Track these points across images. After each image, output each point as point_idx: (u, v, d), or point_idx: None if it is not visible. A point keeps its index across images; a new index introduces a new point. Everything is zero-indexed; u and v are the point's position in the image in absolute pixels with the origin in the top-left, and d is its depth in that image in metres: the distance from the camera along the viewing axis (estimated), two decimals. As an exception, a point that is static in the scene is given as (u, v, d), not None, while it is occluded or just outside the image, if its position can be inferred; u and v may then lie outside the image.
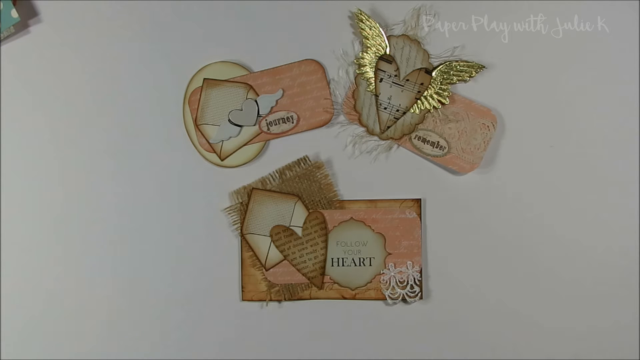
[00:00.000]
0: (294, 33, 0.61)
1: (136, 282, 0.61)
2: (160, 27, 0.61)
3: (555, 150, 0.61)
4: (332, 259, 0.61)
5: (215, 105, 0.61)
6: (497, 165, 0.61)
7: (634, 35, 0.61)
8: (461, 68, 0.60)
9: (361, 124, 0.61)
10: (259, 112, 0.61)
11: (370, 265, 0.61)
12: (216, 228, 0.61)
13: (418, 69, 0.60)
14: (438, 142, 0.61)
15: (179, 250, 0.61)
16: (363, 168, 0.61)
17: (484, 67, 0.60)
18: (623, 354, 0.61)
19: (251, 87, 0.61)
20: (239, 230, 0.61)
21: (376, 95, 0.61)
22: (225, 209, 0.61)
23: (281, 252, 0.61)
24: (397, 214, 0.61)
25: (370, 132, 0.61)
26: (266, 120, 0.61)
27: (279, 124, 0.61)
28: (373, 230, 0.61)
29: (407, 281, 0.61)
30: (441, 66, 0.60)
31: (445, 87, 0.60)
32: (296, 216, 0.61)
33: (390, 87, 0.61)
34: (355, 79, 0.61)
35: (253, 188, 0.61)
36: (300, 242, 0.61)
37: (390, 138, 0.61)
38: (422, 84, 0.60)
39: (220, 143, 0.61)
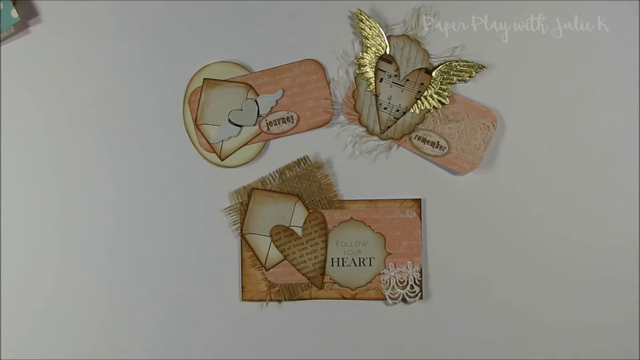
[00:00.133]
0: (294, 33, 0.61)
1: (136, 282, 0.61)
2: (161, 27, 0.61)
3: (555, 150, 0.61)
4: (332, 259, 0.61)
5: (215, 105, 0.61)
6: (497, 165, 0.61)
7: (634, 35, 0.61)
8: (461, 68, 0.60)
9: (361, 124, 0.61)
10: (259, 112, 0.61)
11: (370, 265, 0.61)
12: (216, 228, 0.61)
13: (418, 69, 0.60)
14: (438, 142, 0.61)
15: (179, 250, 0.61)
16: (363, 168, 0.61)
17: (484, 67, 0.60)
18: (623, 354, 0.61)
19: (251, 87, 0.61)
20: (239, 230, 0.61)
21: (376, 95, 0.61)
22: (225, 209, 0.61)
23: (281, 252, 0.61)
24: (397, 214, 0.61)
25: (370, 132, 0.61)
26: (266, 120, 0.61)
27: (279, 124, 0.61)
28: (373, 230, 0.61)
29: (407, 281, 0.61)
30: (441, 66, 0.60)
31: (445, 87, 0.60)
32: (296, 216, 0.61)
33: (390, 87, 0.61)
34: (355, 79, 0.61)
35: (253, 188, 0.61)
36: (300, 242, 0.61)
37: (390, 138, 0.61)
38: (422, 84, 0.60)
39: (220, 143, 0.61)
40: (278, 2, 0.61)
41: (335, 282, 0.61)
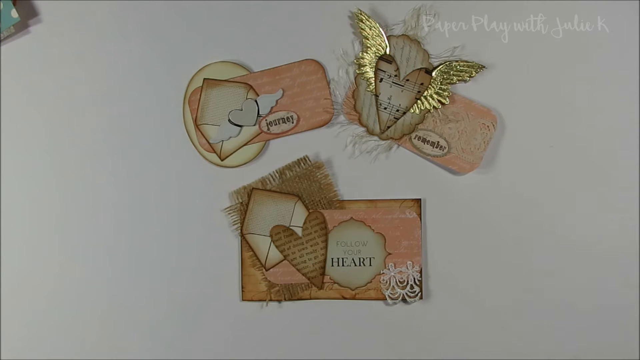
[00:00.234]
0: (294, 33, 0.61)
1: (136, 282, 0.61)
2: (161, 27, 0.61)
3: (555, 150, 0.61)
4: (332, 259, 0.61)
5: (215, 105, 0.61)
6: (497, 165, 0.61)
7: (634, 35, 0.61)
8: (461, 68, 0.60)
9: (361, 124, 0.61)
10: (259, 112, 0.61)
11: (370, 265, 0.61)
12: (216, 228, 0.61)
13: (418, 69, 0.60)
14: (438, 142, 0.61)
15: (179, 250, 0.61)
16: (363, 168, 0.61)
17: (484, 67, 0.60)
18: (623, 354, 0.61)
19: (251, 87, 0.61)
20: (239, 230, 0.61)
21: (376, 95, 0.61)
22: (225, 209, 0.61)
23: (281, 252, 0.61)
24: (397, 214, 0.61)
25: (370, 132, 0.61)
26: (266, 120, 0.61)
27: (279, 124, 0.61)
28: (373, 230, 0.61)
29: (407, 281, 0.61)
30: (441, 66, 0.60)
31: (445, 87, 0.60)
32: (296, 216, 0.61)
33: (390, 87, 0.61)
34: (355, 79, 0.61)
35: (253, 188, 0.61)
36: (300, 242, 0.61)
37: (390, 138, 0.61)
38: (422, 84, 0.60)
39: (220, 143, 0.61)
40: (278, 2, 0.61)
41: (335, 282, 0.61)
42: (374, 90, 0.61)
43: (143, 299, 0.61)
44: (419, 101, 0.60)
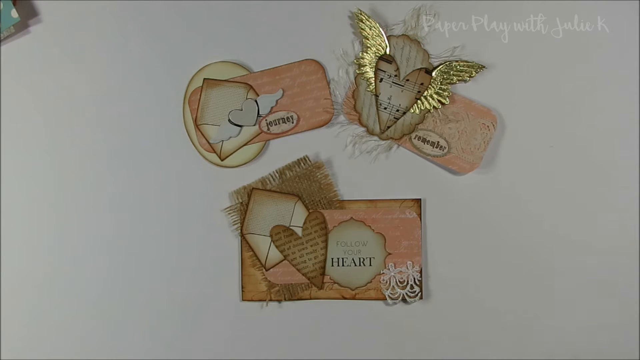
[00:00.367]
0: (294, 33, 0.61)
1: (136, 282, 0.61)
2: (161, 27, 0.61)
3: (555, 150, 0.61)
4: (332, 259, 0.61)
5: (215, 105, 0.61)
6: (497, 165, 0.61)
7: (634, 35, 0.61)
8: (461, 68, 0.60)
9: (361, 124, 0.61)
10: (259, 112, 0.61)
11: (370, 265, 0.61)
12: (216, 228, 0.61)
13: (418, 69, 0.60)
14: (438, 142, 0.61)
15: (179, 250, 0.61)
16: (363, 168, 0.61)
17: (484, 67, 0.60)
18: (623, 354, 0.61)
19: (251, 87, 0.61)
20: (239, 230, 0.61)
21: (376, 95, 0.61)
22: (225, 209, 0.61)
23: (281, 252, 0.61)
24: (397, 214, 0.61)
25: (370, 132, 0.61)
26: (266, 120, 0.61)
27: (279, 124, 0.61)
28: (373, 230, 0.61)
29: (407, 281, 0.61)
30: (441, 66, 0.60)
31: (445, 87, 0.60)
32: (296, 216, 0.61)
33: (390, 87, 0.61)
34: (355, 79, 0.61)
35: (253, 188, 0.61)
36: (300, 242, 0.61)
37: (390, 138, 0.61)
38: (422, 84, 0.60)
39: (220, 143, 0.61)
40: (278, 2, 0.61)
41: (335, 282, 0.61)
42: (374, 90, 0.61)
43: (143, 299, 0.61)
44: (419, 101, 0.60)
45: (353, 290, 0.61)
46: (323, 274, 0.61)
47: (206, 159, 0.61)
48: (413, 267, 0.61)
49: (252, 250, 0.61)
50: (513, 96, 0.61)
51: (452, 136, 0.61)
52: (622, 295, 0.61)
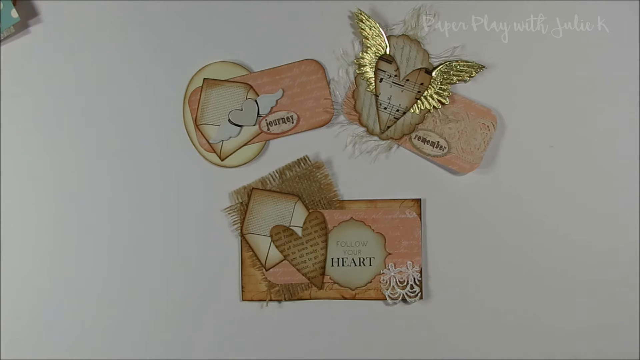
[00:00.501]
0: (294, 33, 0.61)
1: (136, 282, 0.61)
2: (161, 27, 0.61)
3: (555, 150, 0.61)
4: (332, 259, 0.61)
5: (215, 105, 0.61)
6: (497, 165, 0.61)
7: (634, 35, 0.61)
8: (461, 68, 0.60)
9: (361, 124, 0.61)
10: (259, 112, 0.61)
11: (370, 265, 0.61)
12: (216, 228, 0.61)
13: (418, 69, 0.60)
14: (438, 142, 0.61)
15: (178, 250, 0.61)
16: (363, 168, 0.61)
17: (484, 67, 0.60)
18: (623, 354, 0.61)
19: (251, 87, 0.61)
20: (239, 230, 0.61)
21: (376, 95, 0.61)
22: (225, 209, 0.61)
23: (281, 252, 0.61)
24: (397, 214, 0.61)
25: (370, 132, 0.61)
26: (266, 120, 0.61)
27: (279, 124, 0.61)
28: (373, 230, 0.61)
29: (407, 281, 0.61)
30: (441, 66, 0.60)
31: (445, 87, 0.60)
32: (296, 216, 0.61)
33: (390, 87, 0.61)
34: (355, 79, 0.61)
35: (253, 188, 0.61)
36: (300, 242, 0.61)
37: (390, 138, 0.61)
38: (422, 84, 0.60)
39: (220, 143, 0.61)
40: (278, 2, 0.61)
41: (335, 282, 0.61)
42: (374, 90, 0.61)
43: (143, 299, 0.61)
44: (419, 101, 0.60)
45: (353, 290, 0.61)
46: (323, 274, 0.61)
47: (206, 159, 0.61)
48: (413, 267, 0.61)
49: (252, 250, 0.61)
50: (513, 96, 0.61)
51: (452, 136, 0.61)
52: (622, 295, 0.61)
